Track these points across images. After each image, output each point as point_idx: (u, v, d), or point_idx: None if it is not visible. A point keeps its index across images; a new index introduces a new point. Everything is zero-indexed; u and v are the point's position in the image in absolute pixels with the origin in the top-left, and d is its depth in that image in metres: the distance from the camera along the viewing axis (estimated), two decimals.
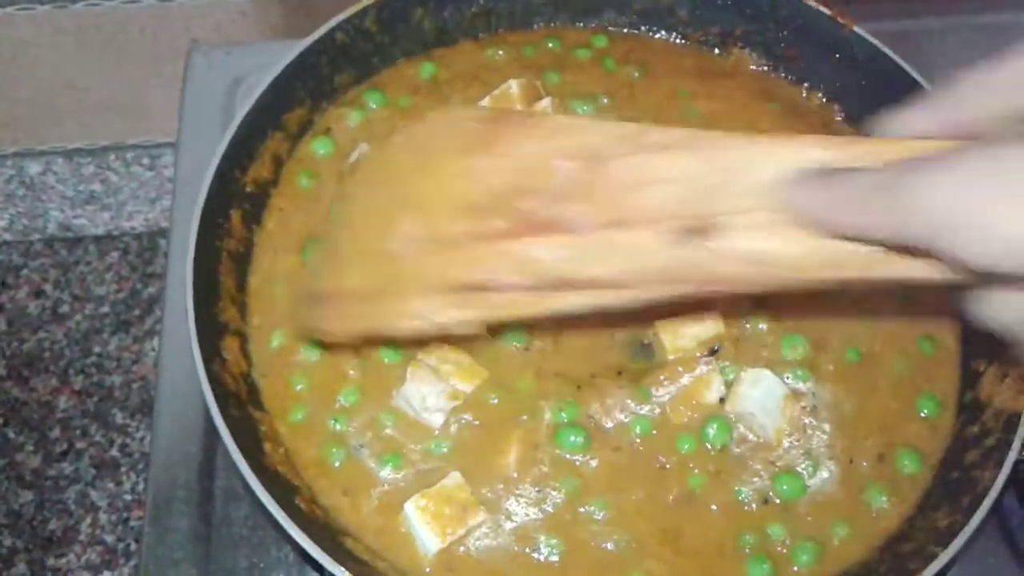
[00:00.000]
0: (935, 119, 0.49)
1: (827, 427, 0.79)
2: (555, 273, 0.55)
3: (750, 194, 0.49)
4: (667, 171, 0.52)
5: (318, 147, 0.92)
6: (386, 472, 0.75)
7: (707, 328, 0.81)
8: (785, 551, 0.74)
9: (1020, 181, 0.37)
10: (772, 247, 0.49)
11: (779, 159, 0.49)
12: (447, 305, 0.60)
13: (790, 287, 0.51)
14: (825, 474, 0.77)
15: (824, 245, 0.47)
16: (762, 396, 0.78)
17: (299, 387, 0.79)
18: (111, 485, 1.79)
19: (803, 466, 0.77)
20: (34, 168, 1.92)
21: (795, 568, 0.74)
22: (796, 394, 0.79)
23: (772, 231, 0.49)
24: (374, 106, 0.95)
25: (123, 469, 1.81)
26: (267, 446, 0.75)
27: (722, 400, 0.79)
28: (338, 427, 0.77)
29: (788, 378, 0.80)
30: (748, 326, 0.82)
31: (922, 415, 0.81)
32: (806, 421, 0.79)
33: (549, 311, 0.57)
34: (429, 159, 0.64)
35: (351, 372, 0.80)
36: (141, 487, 1.79)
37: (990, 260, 0.38)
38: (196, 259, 0.78)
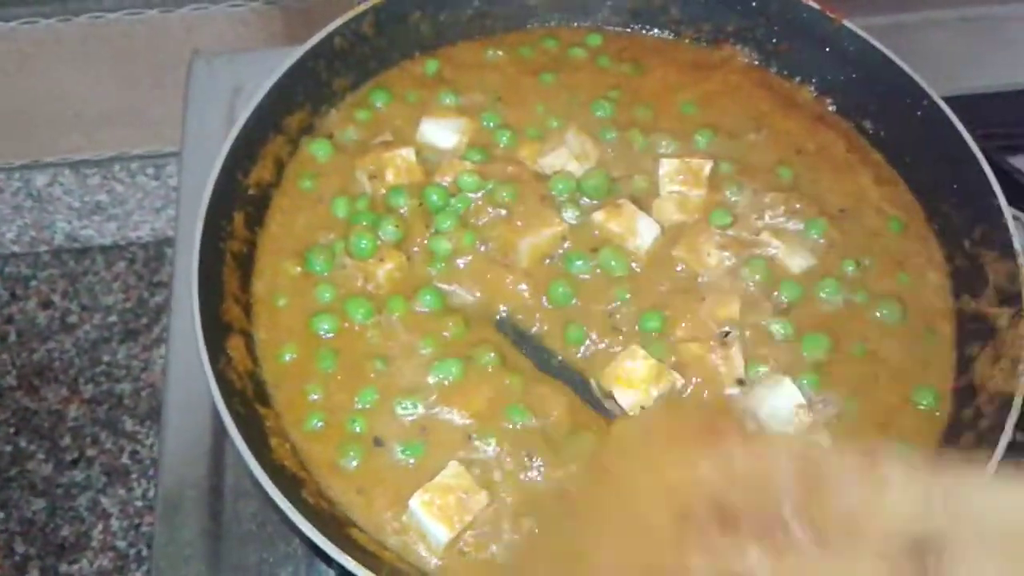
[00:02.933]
0: None
1: (825, 441, 0.80)
2: None
3: (988, 531, 0.49)
4: (896, 496, 0.52)
5: (318, 150, 0.94)
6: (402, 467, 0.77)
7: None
8: None
9: None
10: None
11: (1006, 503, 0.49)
12: None
13: None
14: None
15: None
16: (777, 402, 0.80)
17: (314, 396, 0.81)
18: (122, 492, 1.81)
19: None
20: (41, 180, 1.94)
21: None
22: (811, 405, 0.81)
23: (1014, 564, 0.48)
24: (380, 104, 0.97)
25: (134, 476, 1.83)
26: (273, 441, 0.76)
27: (741, 381, 0.81)
28: (356, 428, 0.79)
29: (804, 384, 0.82)
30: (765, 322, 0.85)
31: (920, 406, 0.82)
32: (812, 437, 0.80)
33: None
34: (644, 459, 0.63)
35: (371, 375, 0.81)
36: (152, 493, 1.80)
37: None
38: (201, 260, 0.79)
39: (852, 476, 0.54)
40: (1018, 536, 0.48)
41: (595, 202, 0.90)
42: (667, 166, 0.92)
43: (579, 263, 0.87)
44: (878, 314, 0.86)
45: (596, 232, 0.89)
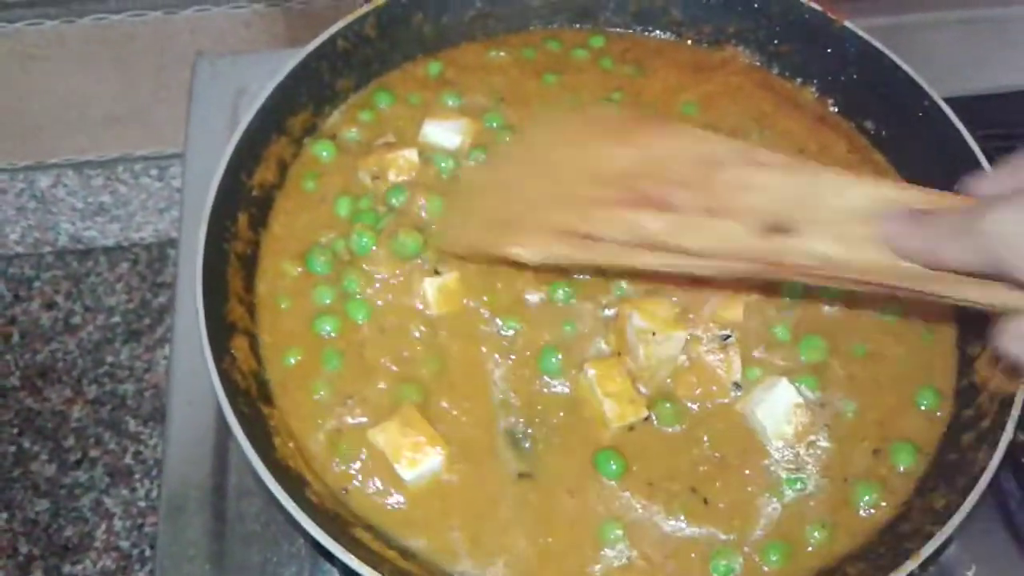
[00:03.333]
0: (1008, 181, 0.57)
1: (825, 444, 0.80)
2: (652, 238, 0.67)
3: (832, 212, 0.62)
4: (766, 182, 0.66)
5: (321, 151, 0.94)
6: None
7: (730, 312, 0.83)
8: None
9: None
10: (839, 252, 0.62)
11: (865, 193, 0.62)
12: (552, 242, 0.72)
13: (845, 286, 0.63)
14: (812, 489, 0.79)
15: (892, 261, 0.60)
16: (773, 401, 0.80)
17: (319, 395, 0.81)
18: (125, 492, 1.82)
19: (790, 480, 0.79)
20: (44, 181, 1.95)
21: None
22: (809, 405, 0.81)
23: (844, 242, 0.62)
24: (383, 105, 0.97)
25: (137, 476, 1.84)
26: (277, 441, 0.77)
27: (737, 384, 0.81)
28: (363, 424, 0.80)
29: (801, 387, 0.82)
30: (767, 325, 0.85)
31: (921, 407, 0.83)
32: (811, 438, 0.81)
33: (638, 264, 0.69)
34: (575, 138, 0.77)
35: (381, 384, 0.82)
36: (155, 494, 1.81)
37: None
38: (205, 261, 0.80)
39: (737, 158, 0.68)
40: (848, 222, 0.62)
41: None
42: None
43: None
44: (879, 314, 0.87)
45: None
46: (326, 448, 0.79)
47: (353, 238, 0.87)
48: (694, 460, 0.79)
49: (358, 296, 0.85)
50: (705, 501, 0.77)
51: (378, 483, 0.77)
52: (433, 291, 0.84)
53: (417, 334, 0.84)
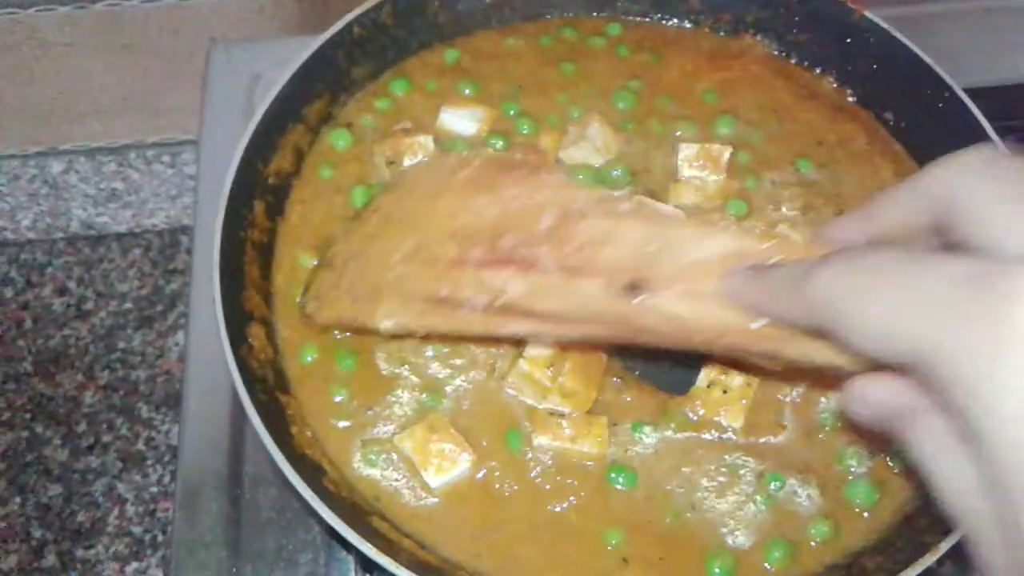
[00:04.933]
0: (860, 228, 0.56)
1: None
2: (511, 301, 0.66)
3: (685, 267, 0.59)
4: (624, 235, 0.63)
5: (337, 139, 0.94)
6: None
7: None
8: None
9: (884, 278, 0.43)
10: (691, 312, 0.58)
11: (720, 245, 0.58)
12: (416, 312, 0.71)
13: (698, 348, 0.60)
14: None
15: (738, 320, 0.56)
16: None
17: (338, 398, 0.81)
18: (138, 478, 1.82)
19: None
20: (57, 167, 1.95)
21: (811, 544, 0.75)
22: None
23: (695, 300, 0.58)
24: (399, 93, 0.97)
25: (149, 462, 1.84)
26: (294, 429, 0.77)
27: None
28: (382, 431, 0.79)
29: None
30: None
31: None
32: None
33: (496, 332, 0.68)
34: (439, 190, 0.75)
35: (402, 388, 0.81)
36: (167, 479, 1.82)
37: (869, 344, 0.44)
38: (222, 248, 0.80)
39: (597, 208, 0.65)
40: (700, 279, 0.58)
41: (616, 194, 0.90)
42: (686, 150, 0.92)
43: None
44: None
45: None
46: (346, 445, 0.79)
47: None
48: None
49: None
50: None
51: (403, 485, 0.77)
52: None
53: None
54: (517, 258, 0.66)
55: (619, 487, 0.77)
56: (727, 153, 0.91)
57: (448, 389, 0.81)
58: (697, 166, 0.91)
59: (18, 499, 1.80)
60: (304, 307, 0.82)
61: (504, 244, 0.67)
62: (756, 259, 0.56)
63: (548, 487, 0.77)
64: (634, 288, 0.60)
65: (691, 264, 0.59)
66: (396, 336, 0.78)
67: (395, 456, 0.78)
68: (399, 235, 0.75)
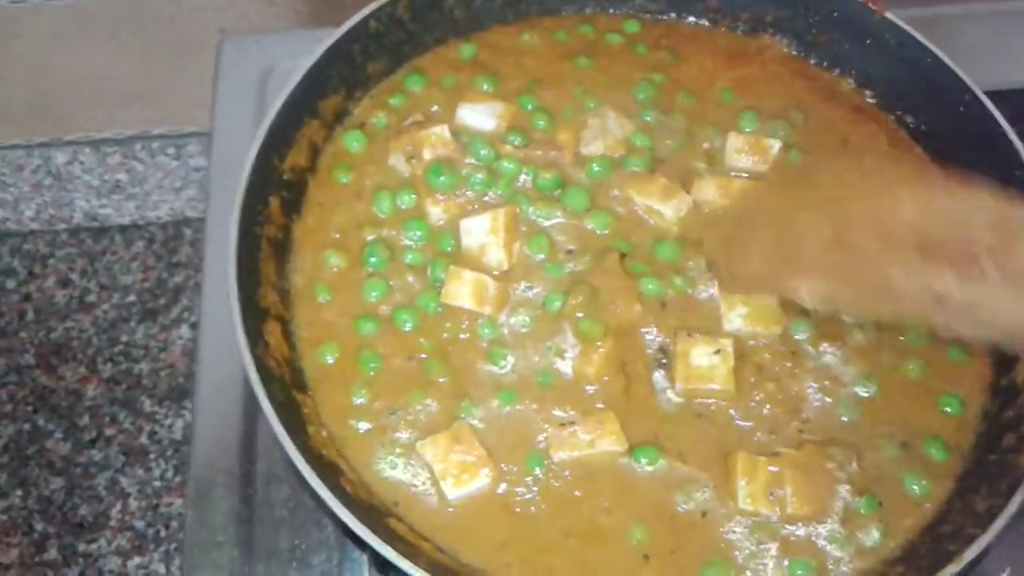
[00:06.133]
0: None
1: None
2: (946, 299, 0.66)
3: None
4: None
5: (352, 142, 0.93)
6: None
7: None
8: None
9: None
10: None
11: None
12: (846, 292, 0.72)
13: None
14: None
15: None
16: None
17: (359, 400, 0.80)
18: (140, 472, 1.81)
19: None
20: (61, 158, 1.94)
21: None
22: None
23: None
24: (416, 88, 0.96)
25: (152, 456, 1.83)
26: (311, 429, 0.76)
27: None
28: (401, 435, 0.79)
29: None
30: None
31: (946, 411, 0.82)
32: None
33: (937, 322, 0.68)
34: (853, 187, 0.77)
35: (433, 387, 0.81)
36: (171, 474, 1.81)
37: None
38: (238, 245, 0.79)
39: None
40: None
41: None
42: (735, 140, 0.92)
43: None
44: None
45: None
46: (366, 447, 0.78)
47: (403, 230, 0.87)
48: None
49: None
50: None
51: (421, 492, 0.77)
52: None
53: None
54: (953, 261, 0.66)
55: (643, 469, 0.77)
56: (776, 145, 0.92)
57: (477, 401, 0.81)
58: (744, 156, 0.92)
59: (20, 492, 1.79)
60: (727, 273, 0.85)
61: (936, 244, 0.67)
62: None
63: (576, 493, 0.77)
64: None
65: None
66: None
67: (415, 462, 0.77)
68: (809, 215, 0.75)
